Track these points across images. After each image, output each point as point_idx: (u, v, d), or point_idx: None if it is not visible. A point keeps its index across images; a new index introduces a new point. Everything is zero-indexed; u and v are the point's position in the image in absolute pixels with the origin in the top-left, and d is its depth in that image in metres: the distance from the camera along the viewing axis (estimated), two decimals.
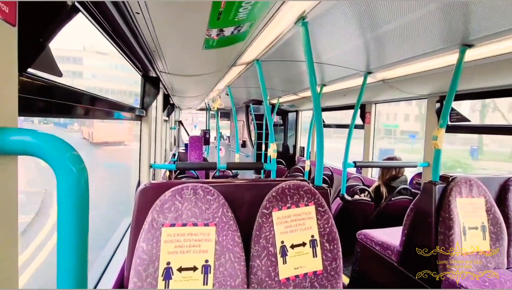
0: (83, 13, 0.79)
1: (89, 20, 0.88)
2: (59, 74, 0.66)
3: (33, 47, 0.50)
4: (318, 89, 3.03)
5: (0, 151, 0.36)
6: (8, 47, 0.38)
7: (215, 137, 8.37)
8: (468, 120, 2.38)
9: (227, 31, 1.18)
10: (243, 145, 7.01)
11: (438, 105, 2.56)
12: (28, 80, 0.54)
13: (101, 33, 1.07)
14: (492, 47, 1.49)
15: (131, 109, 1.66)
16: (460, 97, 2.33)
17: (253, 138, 6.61)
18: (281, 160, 5.21)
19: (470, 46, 1.51)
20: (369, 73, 2.30)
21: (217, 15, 0.98)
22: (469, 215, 1.52)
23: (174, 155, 6.18)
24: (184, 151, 6.69)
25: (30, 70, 0.54)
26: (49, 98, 0.66)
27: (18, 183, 0.41)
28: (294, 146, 6.03)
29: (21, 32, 0.41)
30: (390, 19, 1.32)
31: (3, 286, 0.39)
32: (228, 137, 8.68)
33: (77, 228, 0.37)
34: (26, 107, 0.56)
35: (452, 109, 2.41)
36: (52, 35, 0.54)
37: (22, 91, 0.51)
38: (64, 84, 0.76)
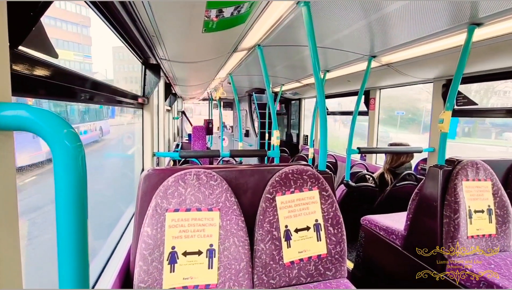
0: None
1: (85, 2, 0.86)
2: (55, 55, 0.65)
3: (24, 21, 0.49)
4: (322, 75, 2.98)
5: None
6: None
7: (218, 127, 8.37)
8: (476, 104, 2.32)
9: (227, 12, 1.15)
10: (246, 134, 7.00)
11: (444, 89, 2.51)
12: (22, 57, 0.52)
13: (99, 16, 1.04)
14: (503, 25, 1.43)
15: (133, 96, 1.65)
16: (467, 80, 2.27)
17: (256, 127, 6.59)
18: (284, 148, 5.20)
19: (479, 25, 1.45)
20: (373, 57, 2.24)
21: None
22: (475, 198, 1.51)
23: (177, 145, 6.20)
24: (187, 141, 6.72)
25: (23, 48, 0.53)
26: (47, 79, 0.64)
27: (15, 159, 0.40)
28: (298, 135, 6.00)
29: (10, 4, 0.39)
30: None
31: (7, 283, 0.38)
32: (231, 127, 8.66)
33: (75, 206, 0.36)
34: (21, 87, 0.54)
35: (459, 93, 2.36)
36: (43, 9, 0.52)
37: (16, 69, 0.50)
38: (64, 67, 0.75)
